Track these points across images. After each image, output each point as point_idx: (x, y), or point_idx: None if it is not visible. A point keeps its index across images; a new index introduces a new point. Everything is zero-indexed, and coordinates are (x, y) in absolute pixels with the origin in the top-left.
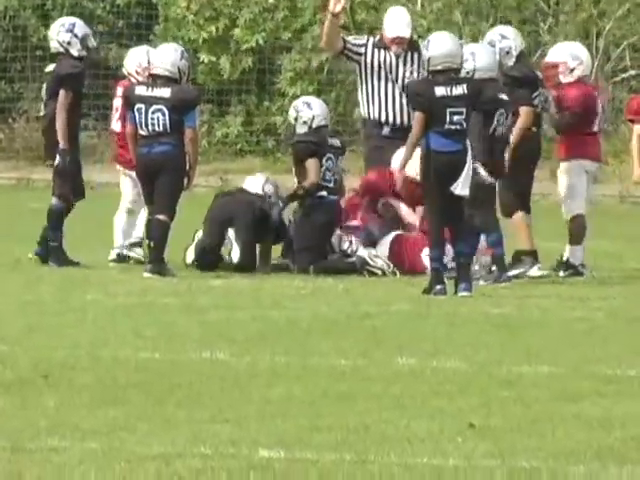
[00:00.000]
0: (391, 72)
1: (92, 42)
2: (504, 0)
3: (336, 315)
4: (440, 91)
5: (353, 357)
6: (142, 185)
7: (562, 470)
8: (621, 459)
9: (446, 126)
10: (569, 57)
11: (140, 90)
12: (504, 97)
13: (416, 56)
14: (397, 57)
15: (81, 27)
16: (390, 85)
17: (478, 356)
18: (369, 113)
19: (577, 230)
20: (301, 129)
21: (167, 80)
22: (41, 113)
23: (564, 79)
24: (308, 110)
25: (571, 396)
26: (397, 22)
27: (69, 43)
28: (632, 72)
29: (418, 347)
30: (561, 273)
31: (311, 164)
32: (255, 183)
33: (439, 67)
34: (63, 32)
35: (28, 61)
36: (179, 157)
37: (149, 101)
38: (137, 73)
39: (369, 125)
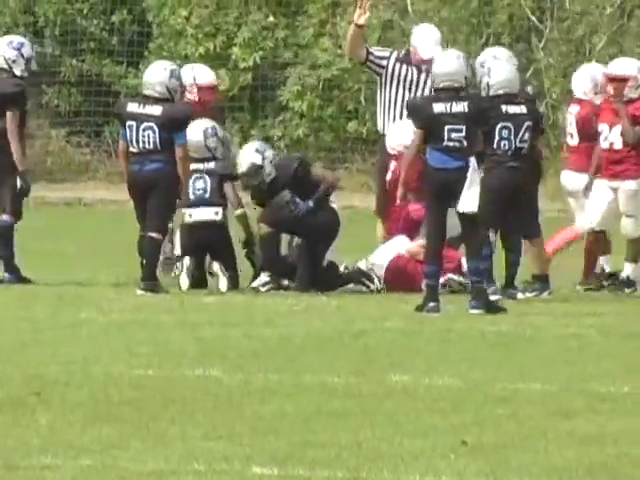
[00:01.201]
0: (411, 88)
1: (34, 65)
2: (496, 17)
3: (329, 332)
4: (439, 108)
5: (346, 374)
6: (134, 202)
7: None
8: (614, 476)
9: (444, 143)
10: (639, 72)
11: (132, 107)
12: (512, 110)
13: None
14: (420, 72)
15: (28, 48)
16: (408, 99)
17: (472, 373)
18: (383, 126)
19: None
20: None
21: (158, 98)
22: None
23: (631, 94)
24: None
25: (564, 413)
26: (430, 42)
27: (14, 61)
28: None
29: (411, 364)
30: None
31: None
32: (194, 133)
33: (441, 85)
34: (10, 49)
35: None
36: (170, 175)
37: (140, 118)
38: (188, 92)
39: (383, 140)
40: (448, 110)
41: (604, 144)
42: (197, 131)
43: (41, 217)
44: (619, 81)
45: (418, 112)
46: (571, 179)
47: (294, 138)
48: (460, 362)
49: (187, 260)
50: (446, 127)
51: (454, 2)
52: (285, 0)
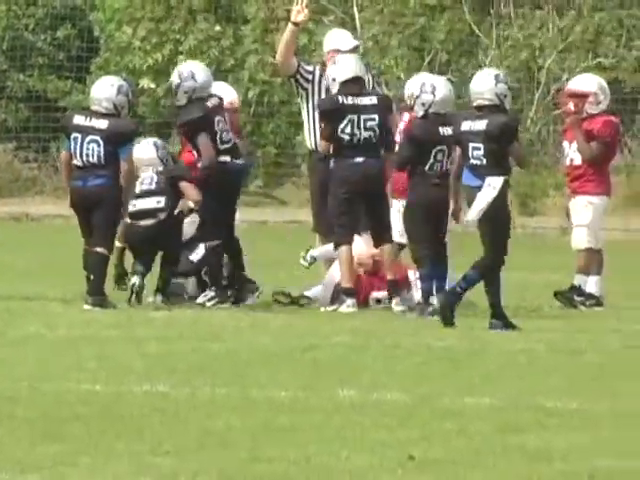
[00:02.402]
0: None
1: None
2: (448, 35)
3: (276, 347)
4: (465, 126)
5: (293, 389)
6: (77, 217)
7: None
8: None
9: (470, 161)
10: (599, 89)
11: (78, 120)
12: (447, 132)
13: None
14: None
15: None
16: None
17: (419, 388)
18: (311, 143)
19: (599, 261)
20: (181, 99)
21: (105, 113)
22: None
23: (590, 110)
24: (192, 81)
25: (513, 428)
26: (343, 39)
27: None
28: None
29: (359, 379)
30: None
31: (202, 140)
32: (146, 150)
33: (473, 103)
34: None
35: None
36: (114, 190)
37: (86, 131)
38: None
39: (314, 158)
40: (471, 128)
41: (567, 161)
42: (148, 147)
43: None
44: (579, 97)
45: (453, 129)
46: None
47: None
48: (407, 377)
49: (134, 279)
50: (470, 145)
51: (401, 21)
52: (230, 9)
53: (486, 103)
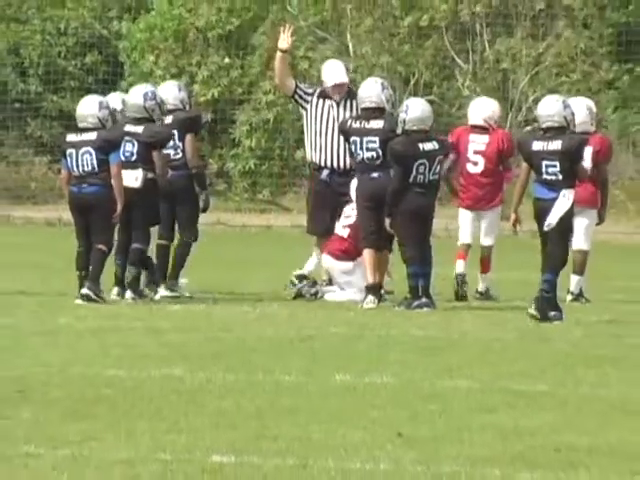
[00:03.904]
0: (331, 119)
1: None
2: (424, 58)
3: (280, 337)
4: (537, 146)
5: (295, 374)
6: (74, 220)
7: (479, 474)
8: (531, 465)
9: (543, 176)
10: (588, 109)
11: (70, 137)
12: (427, 147)
13: (354, 102)
14: (338, 104)
15: None
16: (331, 132)
17: (406, 373)
18: (312, 157)
19: (584, 262)
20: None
21: (92, 128)
22: None
23: (588, 129)
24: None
25: (487, 408)
26: (334, 71)
27: None
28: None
29: (353, 365)
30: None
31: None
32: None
33: (543, 125)
34: None
35: (8, 112)
36: (107, 194)
37: (78, 145)
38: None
39: (311, 169)
40: (545, 148)
41: None
42: (137, 94)
43: (27, 234)
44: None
45: (522, 148)
46: None
47: (245, 168)
48: (396, 363)
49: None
50: (543, 162)
51: (390, 46)
52: (239, 43)
53: (556, 125)
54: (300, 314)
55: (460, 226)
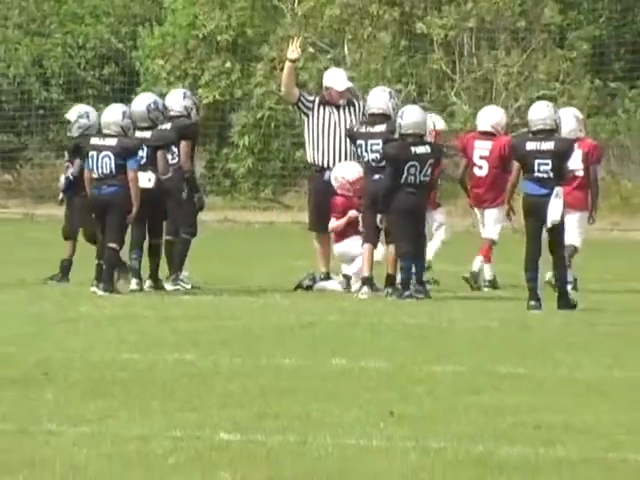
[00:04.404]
0: (332, 124)
1: None
2: (419, 69)
3: (282, 324)
4: (530, 146)
5: (295, 358)
6: (95, 218)
7: (464, 449)
8: (512, 441)
9: (534, 174)
10: (575, 117)
11: (94, 141)
12: (419, 151)
13: (352, 109)
14: (339, 107)
15: None
16: (332, 136)
17: (397, 358)
18: (313, 159)
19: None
20: (75, 132)
21: (113, 134)
22: None
23: (579, 135)
24: (86, 119)
25: (472, 390)
26: (340, 78)
27: None
28: (522, 130)
29: (349, 350)
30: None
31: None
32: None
33: (534, 128)
34: None
35: (32, 119)
36: (124, 196)
37: (100, 148)
38: None
39: (313, 170)
40: (538, 148)
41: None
42: (141, 104)
43: (50, 230)
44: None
45: (516, 149)
46: None
47: (245, 168)
48: (388, 349)
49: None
50: (536, 161)
51: (387, 56)
52: (237, 49)
53: (547, 128)
54: (300, 304)
55: (479, 224)
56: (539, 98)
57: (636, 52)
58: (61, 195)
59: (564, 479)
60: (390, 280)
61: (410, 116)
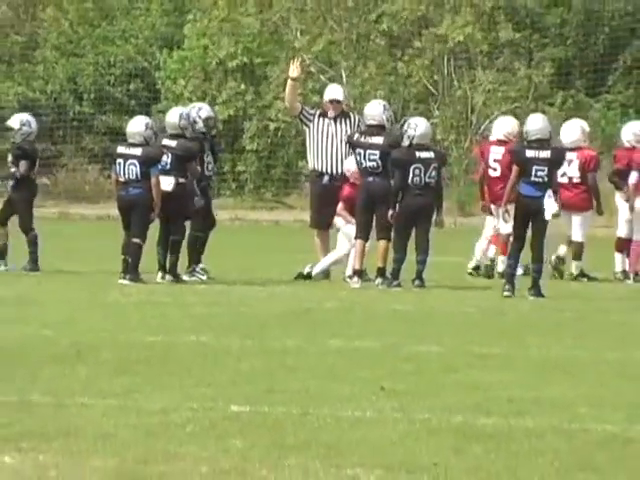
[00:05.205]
0: (330, 134)
1: None
2: (409, 89)
3: (285, 310)
4: (530, 153)
5: (297, 340)
6: (121, 216)
7: (446, 419)
8: (488, 412)
9: (532, 178)
10: (581, 128)
11: (121, 149)
12: (423, 155)
13: (348, 120)
14: (336, 119)
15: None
16: (330, 145)
17: (387, 339)
18: (314, 165)
19: (580, 251)
20: (18, 139)
21: (138, 143)
22: None
23: (584, 144)
24: (28, 127)
25: (452, 368)
26: (334, 90)
27: None
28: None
29: (345, 332)
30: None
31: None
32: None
33: (532, 137)
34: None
35: (67, 129)
36: (147, 197)
37: (126, 157)
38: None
39: (313, 175)
40: (536, 155)
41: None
42: (174, 114)
43: (82, 227)
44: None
45: (517, 156)
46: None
47: (252, 172)
48: (379, 331)
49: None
50: (534, 167)
51: (381, 77)
52: (253, 71)
53: (544, 138)
54: (301, 292)
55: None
56: (512, 112)
57: (597, 71)
58: (9, 190)
59: (533, 446)
60: (380, 272)
61: (421, 128)
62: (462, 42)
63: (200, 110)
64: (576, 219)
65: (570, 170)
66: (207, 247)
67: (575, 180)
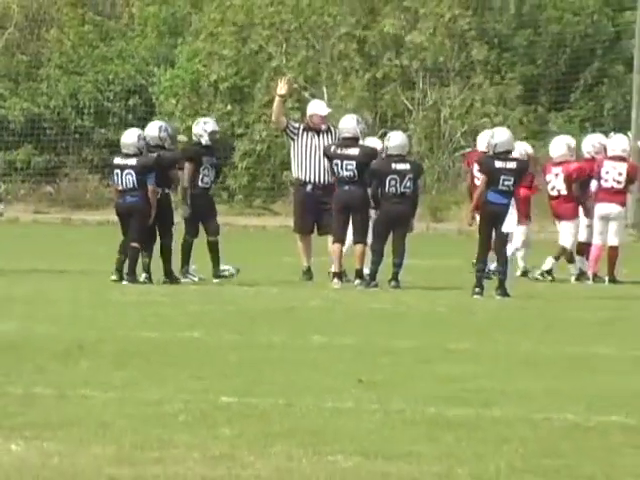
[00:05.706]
0: (314, 147)
1: None
2: (384, 100)
3: (272, 308)
4: (498, 164)
5: (283, 335)
6: (119, 222)
7: (420, 410)
8: (459, 403)
9: (499, 187)
10: (567, 144)
11: (117, 160)
12: (399, 167)
13: (330, 134)
14: (319, 133)
15: None
16: (313, 156)
17: (366, 335)
18: (298, 175)
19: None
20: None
21: (133, 154)
22: None
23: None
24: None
25: (427, 361)
26: (322, 106)
27: None
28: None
29: (327, 329)
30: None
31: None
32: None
33: (500, 149)
34: None
35: (70, 142)
36: (144, 205)
37: (123, 167)
38: None
39: (297, 184)
40: (504, 166)
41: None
42: (154, 127)
43: (84, 232)
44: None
45: (485, 166)
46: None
47: (242, 183)
48: (358, 328)
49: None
50: (502, 177)
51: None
52: (242, 94)
53: (510, 149)
54: (287, 291)
55: None
56: (481, 126)
57: (559, 88)
58: None
59: (500, 434)
60: (359, 274)
61: (396, 140)
62: (437, 61)
63: (206, 124)
64: (565, 226)
65: (557, 183)
66: (206, 251)
67: (562, 192)
